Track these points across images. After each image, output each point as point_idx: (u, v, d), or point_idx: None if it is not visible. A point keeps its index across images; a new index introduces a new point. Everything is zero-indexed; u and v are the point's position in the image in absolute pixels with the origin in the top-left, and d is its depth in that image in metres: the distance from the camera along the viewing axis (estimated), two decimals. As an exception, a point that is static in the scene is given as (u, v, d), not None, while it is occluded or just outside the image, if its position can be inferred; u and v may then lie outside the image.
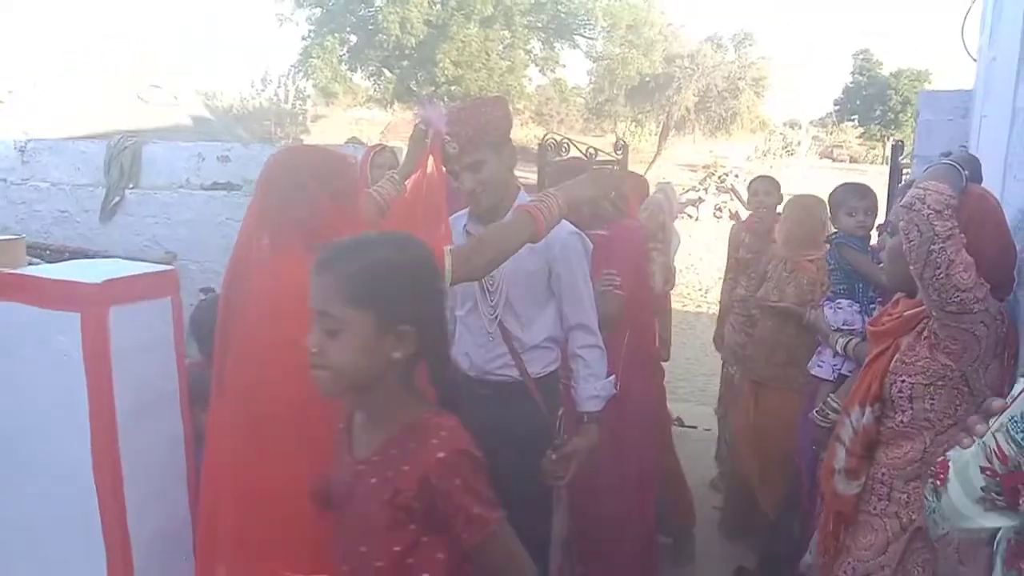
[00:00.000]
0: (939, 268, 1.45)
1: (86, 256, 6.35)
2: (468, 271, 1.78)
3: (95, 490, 1.85)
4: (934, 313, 1.52)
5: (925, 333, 1.58)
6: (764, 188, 4.23)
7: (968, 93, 3.95)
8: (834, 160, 35.15)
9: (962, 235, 1.46)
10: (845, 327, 2.66)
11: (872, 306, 2.66)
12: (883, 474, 1.67)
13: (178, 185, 6.56)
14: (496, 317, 2.23)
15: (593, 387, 2.27)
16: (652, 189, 4.27)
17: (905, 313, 1.64)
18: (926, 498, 1.12)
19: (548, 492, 2.32)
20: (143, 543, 1.93)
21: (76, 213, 6.79)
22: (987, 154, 2.30)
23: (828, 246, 2.78)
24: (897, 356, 1.62)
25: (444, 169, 2.07)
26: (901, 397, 1.60)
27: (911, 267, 1.52)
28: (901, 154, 4.37)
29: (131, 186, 6.61)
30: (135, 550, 1.90)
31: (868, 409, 1.66)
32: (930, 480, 1.11)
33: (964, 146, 1.68)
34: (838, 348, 2.64)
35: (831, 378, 2.70)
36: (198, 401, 2.14)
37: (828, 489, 1.77)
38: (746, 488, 3.35)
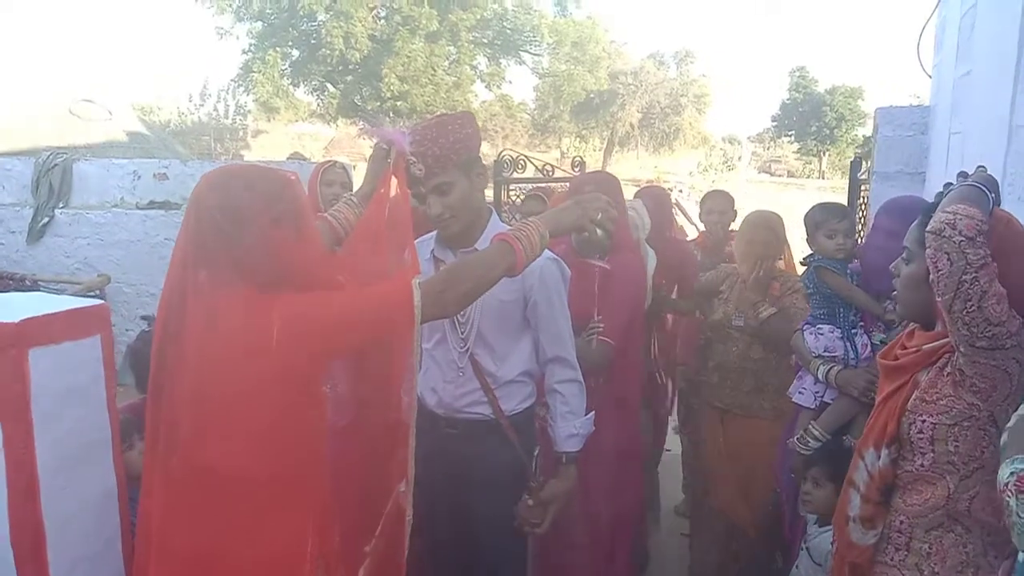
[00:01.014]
0: (970, 300, 1.34)
1: (11, 280, 5.97)
2: (439, 308, 1.61)
3: (12, 558, 1.62)
4: (961, 348, 1.41)
5: (948, 369, 1.46)
6: (719, 205, 4.04)
7: (926, 109, 3.95)
8: (772, 174, 36.03)
9: (994, 263, 1.35)
10: (827, 354, 2.56)
11: (854, 331, 2.57)
12: (901, 522, 1.54)
13: (112, 204, 6.24)
14: (467, 350, 2.05)
15: (572, 425, 2.11)
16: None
17: (924, 347, 1.52)
18: (1018, 515, 1.09)
19: (523, 542, 2.16)
20: (70, 616, 1.70)
21: (1, 235, 6.39)
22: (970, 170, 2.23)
23: (803, 268, 2.69)
24: (916, 394, 1.50)
25: (409, 191, 1.90)
26: (921, 438, 1.48)
27: (939, 298, 1.40)
28: (859, 170, 4.36)
29: (61, 205, 6.26)
30: (60, 623, 1.67)
31: (884, 451, 1.54)
32: (1015, 496, 1.10)
33: (983, 166, 1.57)
34: (819, 375, 2.54)
35: (812, 406, 2.60)
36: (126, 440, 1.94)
37: (842, 538, 1.65)
38: (724, 525, 3.19)
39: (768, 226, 3.02)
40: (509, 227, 1.82)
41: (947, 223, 1.37)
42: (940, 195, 1.53)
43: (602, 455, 2.45)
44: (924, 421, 1.48)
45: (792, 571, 2.50)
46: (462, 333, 2.04)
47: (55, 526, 1.69)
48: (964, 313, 1.36)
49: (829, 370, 2.52)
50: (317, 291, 1.52)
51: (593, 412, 2.16)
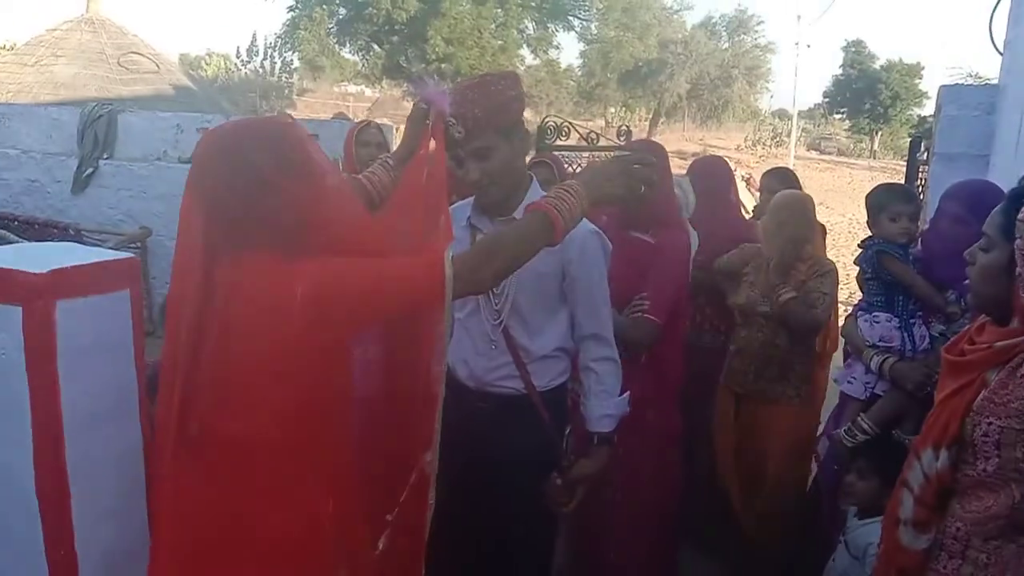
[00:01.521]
0: None
1: (56, 228, 6.06)
2: (472, 285, 1.53)
3: (38, 510, 1.62)
4: None
5: (1023, 371, 1.37)
6: (777, 186, 3.78)
7: (994, 88, 3.74)
8: (822, 152, 35.19)
9: None
10: (882, 343, 2.44)
11: (912, 321, 2.44)
12: (958, 529, 1.44)
13: (155, 157, 6.26)
14: (501, 323, 1.98)
15: (605, 405, 2.03)
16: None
17: (996, 344, 1.42)
18: None
19: (551, 520, 2.10)
20: (93, 569, 1.70)
21: (47, 183, 6.48)
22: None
23: (860, 251, 2.56)
24: (984, 394, 1.40)
25: (446, 155, 1.82)
26: (987, 442, 1.39)
27: None
28: (918, 150, 4.17)
29: (105, 157, 6.31)
30: None
31: (944, 452, 1.44)
32: None
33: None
34: (872, 366, 2.42)
35: (863, 397, 2.49)
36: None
37: (890, 541, 1.56)
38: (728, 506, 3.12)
39: (800, 207, 2.89)
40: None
41: None
42: None
43: (641, 437, 2.36)
44: (991, 424, 1.38)
45: (829, 564, 2.42)
46: (496, 305, 1.97)
47: (80, 479, 1.68)
48: None
49: (884, 361, 2.41)
50: (345, 256, 1.45)
51: (628, 393, 2.08)
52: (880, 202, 2.52)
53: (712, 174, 3.42)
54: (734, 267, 3.03)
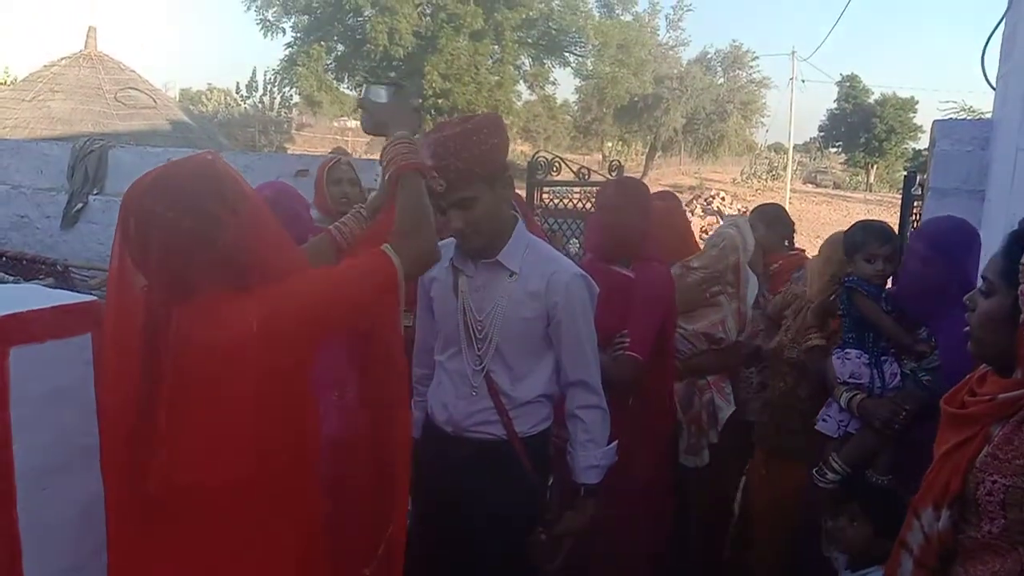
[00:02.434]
0: None
1: (44, 264, 5.99)
2: (417, 252, 1.49)
3: (-14, 569, 1.53)
4: None
5: None
6: (760, 224, 3.38)
7: (988, 123, 3.70)
8: (818, 185, 35.36)
9: None
10: (852, 380, 2.38)
11: (884, 358, 2.39)
12: None
13: (145, 192, 6.22)
14: (483, 369, 1.90)
15: (593, 455, 1.95)
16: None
17: (999, 396, 1.34)
18: None
19: (534, 574, 2.00)
20: (46, 632, 1.60)
21: (36, 219, 6.43)
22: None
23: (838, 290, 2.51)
24: (988, 449, 1.32)
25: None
26: (991, 501, 1.30)
27: None
28: (912, 185, 4.13)
29: (95, 192, 6.27)
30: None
31: (945, 512, 1.36)
32: None
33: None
34: (842, 403, 2.36)
35: (836, 435, 2.41)
36: None
37: (890, 607, 1.47)
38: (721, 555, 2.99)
39: (836, 247, 2.78)
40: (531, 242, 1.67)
41: None
42: None
43: (627, 485, 2.26)
44: (995, 482, 1.29)
45: None
46: (479, 349, 1.89)
47: (33, 536, 1.59)
48: None
49: (852, 397, 2.34)
50: (291, 277, 1.39)
51: (616, 442, 1.99)
52: (856, 242, 2.48)
53: (773, 220, 3.37)
54: (776, 310, 2.92)
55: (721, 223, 3.27)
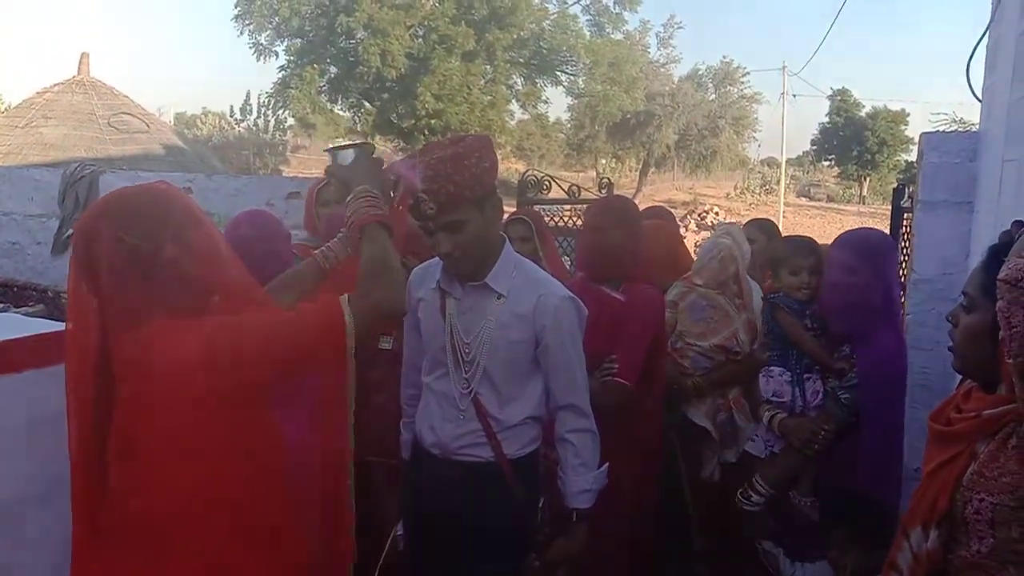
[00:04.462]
0: None
1: (34, 290, 5.96)
2: (373, 305, 1.49)
3: (-38, 604, 1.50)
4: None
5: (1014, 442, 1.25)
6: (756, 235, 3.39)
7: (975, 135, 3.71)
8: (811, 198, 35.48)
9: None
10: (775, 399, 2.36)
11: (807, 376, 2.37)
12: None
13: (137, 217, 6.21)
14: (470, 392, 1.88)
15: (584, 480, 1.92)
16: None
17: (984, 413, 1.32)
18: None
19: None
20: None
21: (27, 245, 6.40)
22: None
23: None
24: (973, 467, 1.30)
25: (417, 224, 1.77)
26: (979, 520, 1.28)
27: (1010, 360, 1.19)
28: (903, 198, 4.13)
29: (87, 217, 6.25)
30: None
31: (933, 531, 1.33)
32: None
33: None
34: (764, 421, 2.34)
35: (763, 455, 2.39)
36: None
37: (880, 628, 1.44)
38: None
39: None
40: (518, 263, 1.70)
41: (1022, 271, 1.16)
42: (1007, 234, 1.33)
43: (613, 509, 2.23)
44: (983, 500, 1.27)
45: None
46: (467, 372, 1.87)
47: (10, 566, 1.57)
48: None
49: (773, 416, 2.32)
50: (241, 310, 1.38)
51: (607, 465, 1.97)
52: (781, 256, 2.48)
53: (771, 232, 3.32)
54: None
55: (712, 233, 3.23)
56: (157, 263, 1.33)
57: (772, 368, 2.42)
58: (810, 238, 2.69)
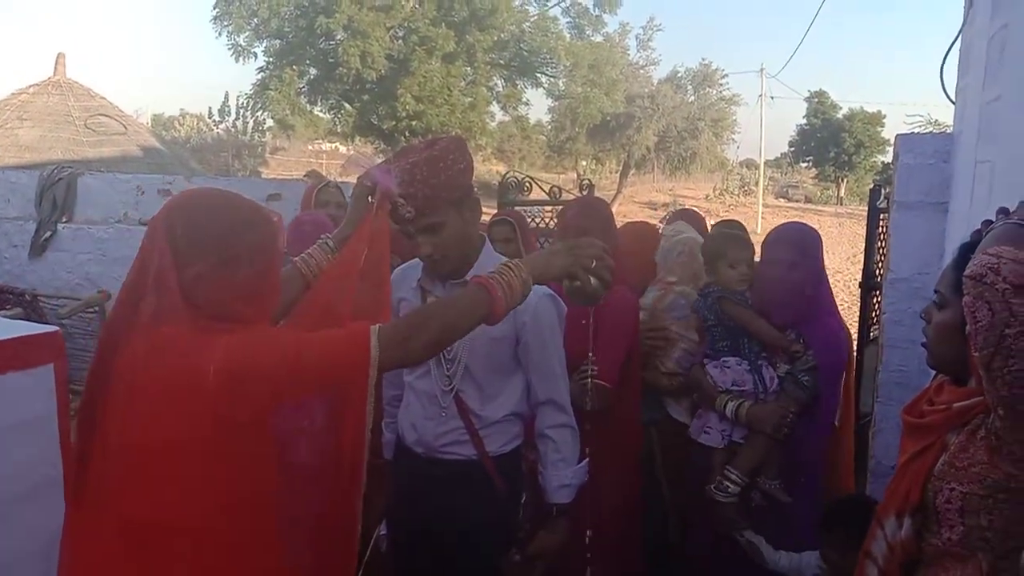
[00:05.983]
0: (1014, 358, 1.15)
1: (12, 294, 5.90)
2: (402, 356, 1.45)
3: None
4: (1000, 411, 1.23)
5: (982, 433, 1.29)
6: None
7: (949, 137, 3.78)
8: (789, 199, 35.80)
9: None
10: (735, 388, 2.40)
11: (760, 363, 2.42)
12: None
13: (115, 219, 6.15)
14: (452, 389, 1.90)
15: (564, 475, 1.95)
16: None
17: (954, 405, 1.36)
18: None
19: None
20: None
21: (4, 248, 6.33)
22: (999, 203, 2.08)
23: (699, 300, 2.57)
24: (944, 458, 1.33)
25: (397, 226, 1.77)
26: (950, 509, 1.32)
27: (976, 353, 1.23)
28: (879, 199, 4.19)
29: (64, 220, 6.18)
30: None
31: (907, 520, 1.37)
32: None
33: (1024, 201, 1.39)
34: (728, 412, 2.38)
35: (721, 445, 2.43)
36: None
37: (857, 617, 1.48)
38: None
39: None
40: (499, 261, 1.65)
41: (989, 267, 1.18)
42: (977, 233, 1.37)
43: (597, 509, 2.26)
44: (953, 490, 1.31)
45: None
46: (448, 370, 1.89)
47: (-4, 571, 1.56)
48: (1005, 372, 1.18)
49: (739, 406, 2.37)
50: (264, 331, 1.38)
51: (587, 460, 2.00)
52: (718, 249, 2.54)
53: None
54: None
55: (666, 230, 3.25)
56: (208, 267, 1.33)
57: (727, 359, 2.46)
58: (740, 225, 2.78)
